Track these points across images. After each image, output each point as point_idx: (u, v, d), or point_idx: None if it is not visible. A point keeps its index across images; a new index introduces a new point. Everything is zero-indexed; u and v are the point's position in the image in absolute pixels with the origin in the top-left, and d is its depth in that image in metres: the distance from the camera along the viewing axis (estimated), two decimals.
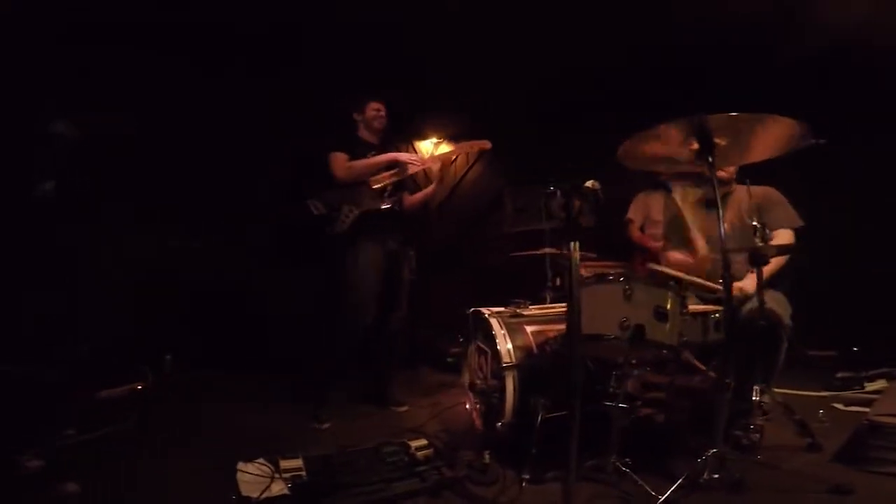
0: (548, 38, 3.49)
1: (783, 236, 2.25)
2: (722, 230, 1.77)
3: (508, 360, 2.04)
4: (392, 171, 2.79)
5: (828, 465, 1.91)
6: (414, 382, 3.36)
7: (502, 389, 2.03)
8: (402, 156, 2.82)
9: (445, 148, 4.75)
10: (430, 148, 4.85)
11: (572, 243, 1.43)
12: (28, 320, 2.93)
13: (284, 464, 1.79)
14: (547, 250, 3.45)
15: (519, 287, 2.86)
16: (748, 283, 2.17)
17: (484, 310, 2.29)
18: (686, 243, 2.50)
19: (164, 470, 1.90)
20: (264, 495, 1.61)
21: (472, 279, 4.36)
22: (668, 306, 1.80)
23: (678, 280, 1.98)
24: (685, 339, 1.83)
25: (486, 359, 2.25)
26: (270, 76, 3.66)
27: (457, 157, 3.00)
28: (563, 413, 1.82)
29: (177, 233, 3.66)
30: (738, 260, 2.22)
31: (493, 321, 2.17)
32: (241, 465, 1.77)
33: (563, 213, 1.56)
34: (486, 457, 1.87)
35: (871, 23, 3.00)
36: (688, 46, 3.37)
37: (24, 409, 2.34)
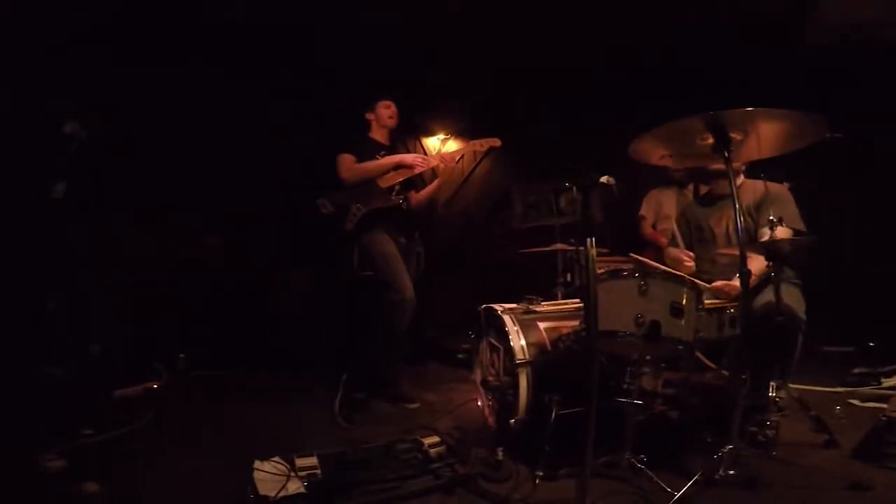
0: (547, 38, 3.49)
1: (782, 234, 2.22)
2: (739, 223, 1.76)
3: (522, 357, 2.04)
4: (399, 171, 2.84)
5: (845, 461, 1.89)
6: (423, 379, 3.36)
7: (515, 386, 2.02)
8: (408, 158, 2.88)
9: (453, 145, 4.74)
10: (437, 144, 4.83)
11: (589, 239, 1.41)
12: (41, 320, 2.97)
13: (300, 462, 1.79)
14: (559, 246, 3.44)
15: (525, 284, 2.85)
16: (736, 283, 2.15)
17: (496, 306, 2.28)
18: (699, 240, 2.47)
19: (181, 469, 1.92)
20: (281, 494, 1.61)
21: (477, 277, 4.34)
22: (684, 302, 1.79)
23: (658, 269, 1.98)
24: (701, 334, 1.82)
25: (498, 355, 2.24)
26: (270, 76, 3.68)
27: (463, 154, 3.00)
28: (577, 410, 1.82)
29: (187, 232, 3.69)
30: (725, 262, 2.21)
31: (506, 318, 2.16)
32: (257, 464, 1.77)
33: (576, 208, 1.55)
34: (499, 453, 1.87)
35: (871, 23, 2.98)
36: (689, 45, 3.38)
37: (42, 409, 2.37)
